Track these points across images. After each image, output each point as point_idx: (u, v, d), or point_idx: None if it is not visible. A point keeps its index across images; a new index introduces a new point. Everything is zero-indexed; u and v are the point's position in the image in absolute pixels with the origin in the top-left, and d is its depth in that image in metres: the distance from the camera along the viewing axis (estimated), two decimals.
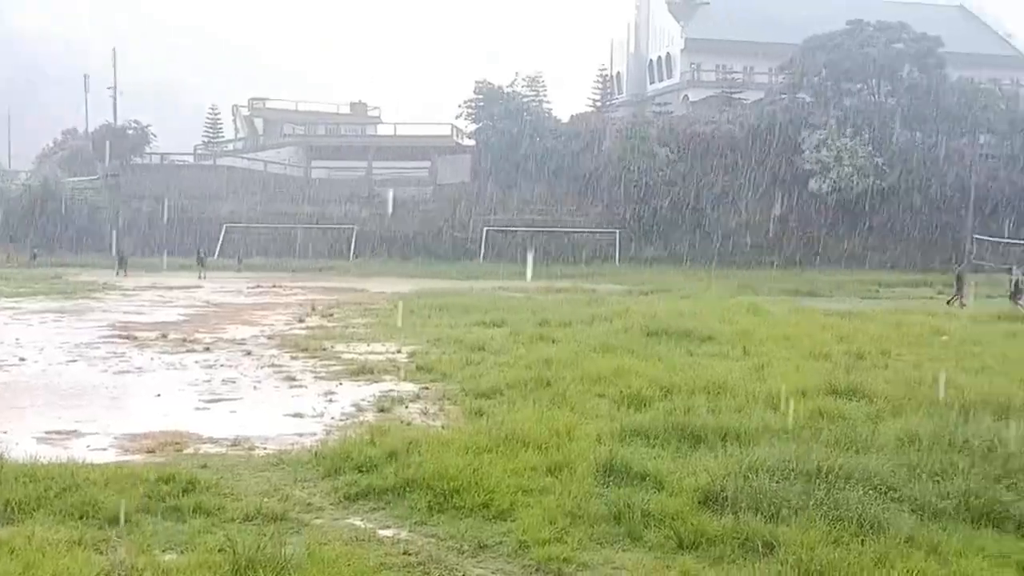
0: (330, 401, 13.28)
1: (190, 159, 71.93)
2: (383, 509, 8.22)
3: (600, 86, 76.89)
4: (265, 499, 8.28)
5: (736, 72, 73.68)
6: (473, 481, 8.42)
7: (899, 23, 58.84)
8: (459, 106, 65.00)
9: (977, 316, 25.44)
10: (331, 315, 25.82)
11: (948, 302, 32.03)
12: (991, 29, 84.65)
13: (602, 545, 7.37)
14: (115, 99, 71.50)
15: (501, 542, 7.39)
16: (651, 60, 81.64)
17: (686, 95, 73.50)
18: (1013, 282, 33.25)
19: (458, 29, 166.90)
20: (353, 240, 58.82)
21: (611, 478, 8.74)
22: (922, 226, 55.61)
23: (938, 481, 8.44)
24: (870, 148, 54.58)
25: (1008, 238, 49.42)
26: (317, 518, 7.98)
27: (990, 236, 47.90)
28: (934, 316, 25.41)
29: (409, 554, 7.13)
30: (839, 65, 57.64)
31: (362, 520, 7.96)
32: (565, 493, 8.28)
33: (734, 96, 68.97)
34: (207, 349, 18.61)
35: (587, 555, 7.14)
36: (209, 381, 14.92)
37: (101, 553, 7.00)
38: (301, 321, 24.16)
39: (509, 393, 12.92)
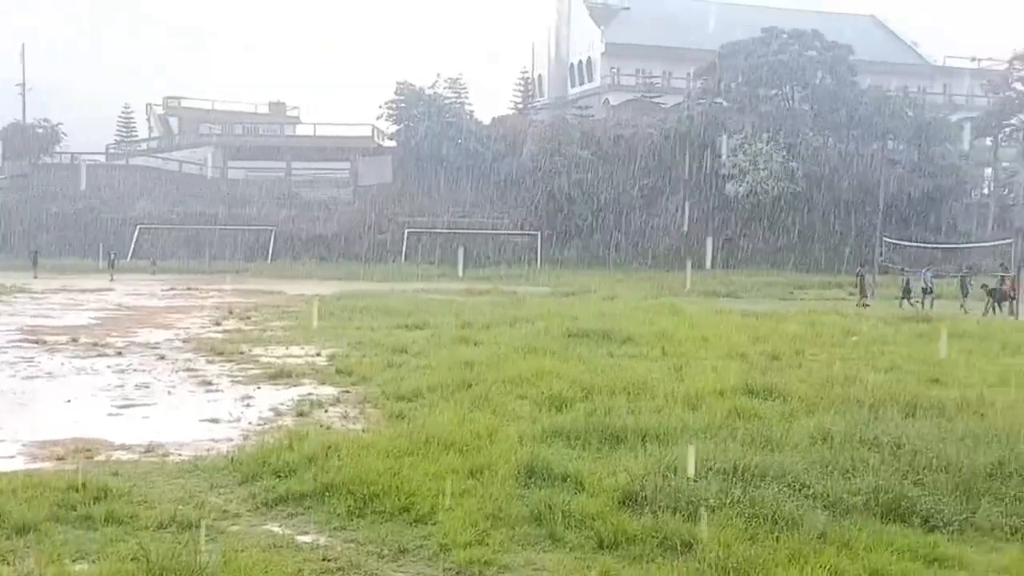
0: (247, 406, 13.06)
1: (102, 159, 70.04)
2: (302, 515, 8.12)
3: (522, 89, 77.27)
4: (180, 506, 8.10)
5: (655, 77, 74.79)
6: (393, 485, 8.36)
7: (812, 31, 60.39)
8: (380, 107, 64.68)
9: (886, 317, 26.23)
10: (248, 318, 25.42)
11: (858, 304, 33.05)
12: (900, 38, 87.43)
13: (523, 547, 7.39)
14: (24, 96, 69.40)
15: (422, 546, 7.36)
16: (572, 64, 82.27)
17: (607, 99, 74.27)
18: (903, 282, 34.45)
19: (379, 30, 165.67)
20: (271, 242, 57.99)
21: (532, 480, 8.78)
22: (834, 229, 57.16)
23: (849, 478, 8.67)
24: (785, 153, 55.88)
25: (915, 241, 51.05)
26: (233, 525, 7.83)
27: (899, 239, 49.47)
28: (845, 317, 26.16)
29: (328, 560, 7.05)
30: (755, 71, 58.88)
31: (280, 526, 7.85)
32: (486, 495, 8.28)
33: (653, 100, 70.03)
34: (119, 353, 18.14)
35: (508, 557, 7.16)
36: (122, 386, 14.55)
37: (8, 564, 6.77)
38: (217, 324, 23.73)
39: (430, 396, 12.87)
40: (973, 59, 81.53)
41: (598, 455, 9.78)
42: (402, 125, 63.80)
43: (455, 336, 19.86)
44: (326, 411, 12.62)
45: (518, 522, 7.78)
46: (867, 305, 32.42)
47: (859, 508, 8.05)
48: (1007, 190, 71.23)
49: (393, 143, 65.86)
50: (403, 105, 63.54)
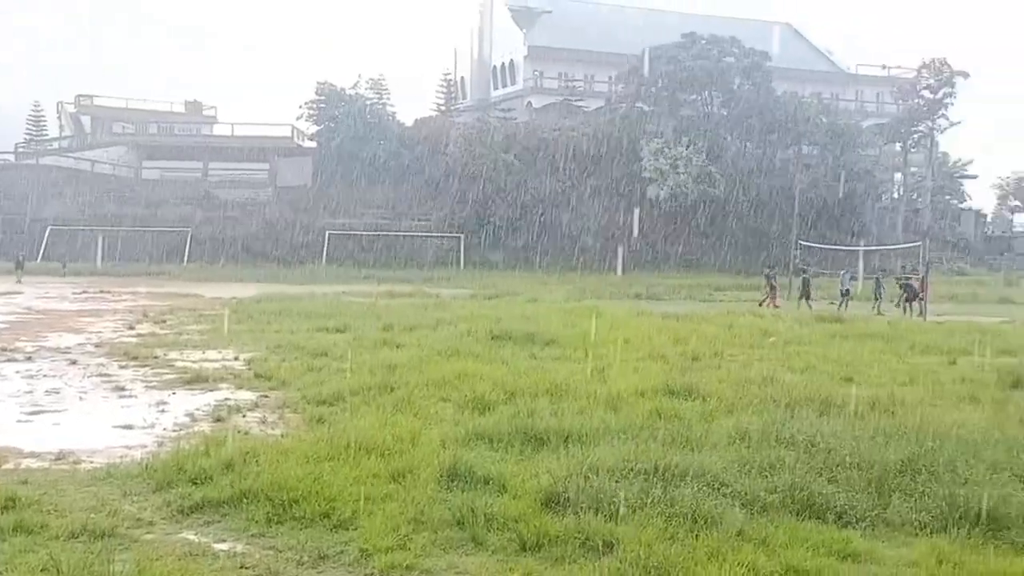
0: (162, 411, 12.75)
1: (11, 158, 67.83)
2: (218, 522, 7.95)
3: (444, 91, 77.16)
4: (92, 515, 7.86)
5: (578, 80, 75.44)
6: (313, 490, 8.24)
7: (731, 37, 61.62)
8: (300, 107, 64.01)
9: (801, 318, 26.84)
10: (164, 321, 24.84)
11: (760, 303, 33.88)
12: (814, 46, 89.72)
13: (445, 550, 7.36)
14: None
15: (342, 551, 7.27)
16: (495, 66, 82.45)
17: (529, 101, 74.64)
18: (802, 282, 35.34)
19: (300, 30, 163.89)
20: (188, 244, 56.84)
21: (455, 483, 8.74)
22: (752, 231, 58.36)
23: (766, 476, 8.82)
24: (704, 157, 56.86)
25: (830, 243, 52.39)
26: (148, 533, 7.63)
27: (814, 242, 50.73)
28: (763, 318, 26.71)
29: (246, 567, 6.92)
30: (675, 76, 59.83)
31: (196, 534, 7.67)
32: (408, 499, 8.22)
33: (576, 104, 70.60)
34: (29, 358, 17.56)
35: (430, 561, 7.12)
36: (31, 392, 14.08)
37: None
38: (131, 328, 23.14)
39: (352, 400, 12.74)
40: (883, 67, 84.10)
41: (521, 457, 9.79)
42: (323, 126, 63.20)
43: (377, 339, 19.71)
44: (244, 416, 12.40)
45: (440, 526, 7.75)
46: (777, 307, 33.16)
47: (776, 506, 8.20)
48: (915, 194, 73.70)
49: (313, 144, 65.18)
50: (323, 106, 62.95)
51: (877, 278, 36.41)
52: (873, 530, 7.85)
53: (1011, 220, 75.65)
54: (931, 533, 7.71)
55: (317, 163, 63.43)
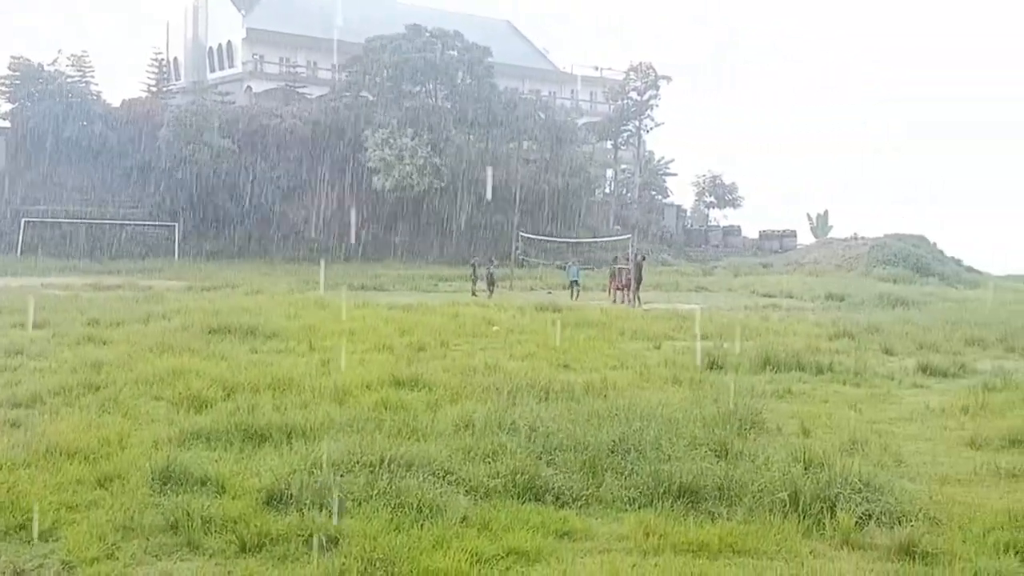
0: None
1: None
2: None
3: (156, 71, 72.87)
4: None
5: (300, 66, 73.88)
6: (8, 501, 7.59)
7: (454, 32, 62.58)
8: None
9: (523, 307, 27.85)
10: None
11: (473, 293, 35.17)
12: (533, 45, 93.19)
13: (158, 557, 7.00)
14: None
15: (42, 565, 6.72)
16: (211, 47, 79.06)
17: (249, 86, 72.19)
18: (488, 273, 36.95)
19: None
20: None
21: (169, 486, 8.31)
22: (476, 223, 59.69)
23: (490, 462, 9.07)
24: (429, 149, 57.46)
25: (548, 236, 54.77)
26: None
27: (534, 234, 52.81)
28: (486, 308, 27.46)
29: None
30: (400, 67, 59.96)
31: None
32: (117, 506, 7.76)
33: (298, 90, 69.10)
34: None
35: (141, 570, 6.74)
36: None
37: None
38: None
39: (52, 401, 11.77)
40: (596, 68, 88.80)
41: (241, 455, 9.48)
42: (17, 104, 57.89)
43: (81, 335, 18.34)
44: None
45: (153, 531, 7.36)
46: (476, 294, 34.73)
47: (499, 491, 8.46)
48: (625, 190, 78.62)
49: (7, 123, 59.55)
50: (18, 83, 57.67)
51: (574, 267, 38.89)
52: (588, 508, 8.28)
53: (707, 215, 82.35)
54: (639, 508, 8.24)
55: (11, 145, 57.96)
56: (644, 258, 38.59)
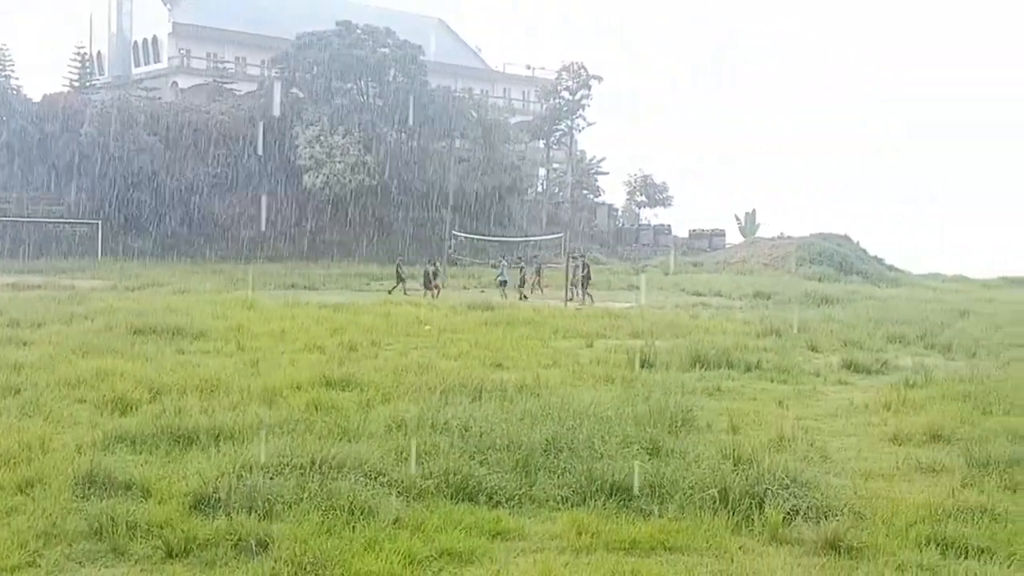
0: None
1: None
2: None
3: (79, 65, 71.12)
4: None
5: (228, 62, 72.83)
6: None
7: (386, 29, 62.13)
8: None
9: (455, 306, 27.78)
10: None
11: (390, 291, 34.86)
12: (465, 43, 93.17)
13: (82, 564, 6.82)
14: None
15: None
16: (136, 42, 77.47)
17: (175, 81, 70.94)
18: (430, 272, 36.69)
19: None
20: None
21: (93, 490, 8.10)
22: (409, 222, 59.42)
23: (422, 463, 9.02)
24: (361, 146, 57.00)
25: (482, 234, 54.79)
26: None
27: (467, 233, 52.76)
28: (418, 307, 27.33)
29: None
30: (330, 64, 59.35)
31: None
32: (38, 512, 7.54)
33: (226, 86, 68.01)
34: None
35: None
36: None
37: None
38: None
39: None
40: (528, 67, 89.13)
41: (168, 459, 9.30)
42: None
43: (0, 336, 17.80)
44: None
45: (76, 538, 7.17)
46: (417, 293, 34.35)
47: (432, 491, 8.41)
48: (557, 189, 78.97)
49: None
50: None
51: (522, 266, 38.90)
52: (521, 508, 8.27)
53: (638, 214, 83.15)
54: (572, 507, 8.26)
55: None
56: (583, 256, 38.78)
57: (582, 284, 34.06)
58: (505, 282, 36.94)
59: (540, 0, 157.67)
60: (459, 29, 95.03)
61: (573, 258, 36.44)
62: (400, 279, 36.79)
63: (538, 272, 38.56)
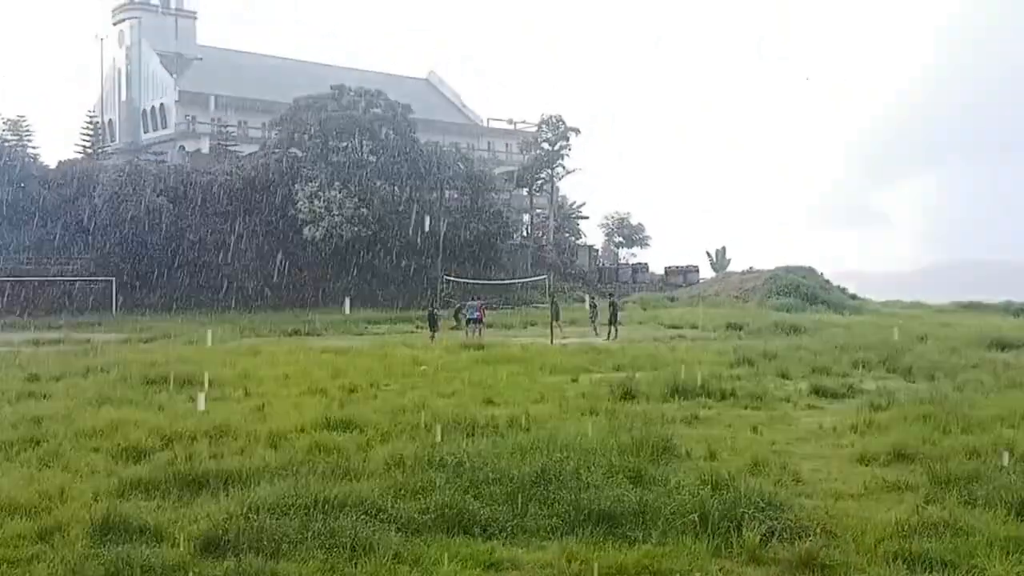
0: None
1: None
2: None
3: (91, 133, 71.37)
4: None
5: (231, 126, 73.17)
6: None
7: (377, 90, 62.64)
8: None
9: (449, 347, 27.73)
10: None
11: (432, 337, 34.49)
12: (451, 101, 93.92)
13: None
14: None
15: None
16: (144, 109, 77.86)
17: (182, 145, 71.23)
18: (429, 315, 36.49)
19: None
20: None
21: (109, 536, 8.01)
22: (403, 269, 59.44)
23: (419, 498, 8.95)
24: (356, 200, 57.18)
25: (471, 278, 54.83)
26: None
27: (457, 277, 52.84)
28: (414, 348, 27.23)
29: None
30: (327, 124, 59.71)
31: None
32: (57, 559, 7.44)
33: (230, 148, 68.29)
34: None
35: None
36: None
37: None
38: None
39: None
40: (510, 121, 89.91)
41: (179, 503, 9.20)
42: None
43: (21, 390, 17.62)
44: None
45: None
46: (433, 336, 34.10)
47: (429, 525, 8.34)
48: (541, 233, 79.26)
49: None
50: None
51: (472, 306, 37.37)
52: (513, 538, 8.20)
53: (616, 253, 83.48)
54: (561, 535, 8.20)
55: None
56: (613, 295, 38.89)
57: (611, 320, 34.26)
58: (471, 320, 35.46)
59: (520, 56, 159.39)
60: (447, 82, 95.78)
61: (600, 297, 36.51)
62: (433, 325, 35.50)
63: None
